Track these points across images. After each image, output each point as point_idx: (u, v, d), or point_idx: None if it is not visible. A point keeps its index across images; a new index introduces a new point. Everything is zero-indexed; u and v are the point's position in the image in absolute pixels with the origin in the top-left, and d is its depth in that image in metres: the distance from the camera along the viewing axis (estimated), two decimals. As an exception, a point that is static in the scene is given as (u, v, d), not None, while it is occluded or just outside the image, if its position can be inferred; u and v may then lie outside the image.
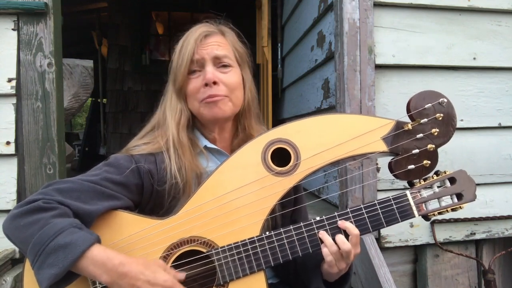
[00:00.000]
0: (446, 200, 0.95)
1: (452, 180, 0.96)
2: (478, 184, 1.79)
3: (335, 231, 0.90)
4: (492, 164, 1.86)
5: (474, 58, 1.83)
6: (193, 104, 1.02)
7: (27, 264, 0.86)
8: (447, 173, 0.96)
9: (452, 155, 1.81)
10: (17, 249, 1.53)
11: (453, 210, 0.95)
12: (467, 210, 1.82)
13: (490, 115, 1.85)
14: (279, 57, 3.45)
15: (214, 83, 0.98)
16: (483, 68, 1.85)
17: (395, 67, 1.78)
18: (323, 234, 0.89)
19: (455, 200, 0.96)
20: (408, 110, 0.96)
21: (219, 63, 1.01)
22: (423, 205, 0.94)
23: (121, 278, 0.79)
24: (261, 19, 3.40)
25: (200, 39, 1.01)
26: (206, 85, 0.98)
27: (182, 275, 0.86)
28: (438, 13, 1.80)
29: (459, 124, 1.81)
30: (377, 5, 1.74)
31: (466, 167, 1.81)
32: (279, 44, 3.44)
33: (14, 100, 1.58)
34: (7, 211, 1.52)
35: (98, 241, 0.81)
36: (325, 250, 0.89)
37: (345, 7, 1.70)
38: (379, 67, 1.75)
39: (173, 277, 0.83)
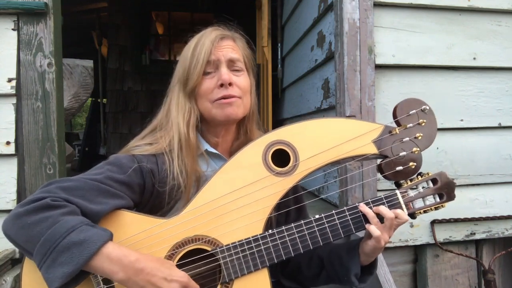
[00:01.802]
0: (430, 199, 1.02)
1: (434, 181, 1.03)
2: (478, 184, 1.84)
3: (334, 227, 0.95)
4: (492, 164, 1.86)
5: (474, 58, 1.83)
6: (205, 104, 1.01)
7: (26, 265, 0.85)
8: (430, 174, 1.03)
9: (452, 155, 1.81)
10: (17, 249, 1.53)
11: (436, 208, 1.02)
12: (467, 210, 1.84)
13: (490, 115, 1.86)
14: (279, 57, 3.45)
15: (230, 84, 0.99)
16: (483, 68, 1.85)
17: (395, 67, 1.78)
18: (364, 207, 0.95)
19: (437, 199, 1.02)
20: (394, 116, 1.03)
21: (232, 66, 1.02)
22: (411, 203, 1.01)
23: (137, 275, 0.78)
24: (261, 19, 3.40)
25: (217, 40, 1.02)
26: (221, 85, 0.99)
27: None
28: (438, 13, 1.80)
29: (459, 124, 1.82)
30: (377, 5, 1.74)
31: (466, 167, 1.84)
32: (279, 44, 3.44)
33: (14, 100, 1.58)
34: (7, 211, 1.52)
35: (112, 238, 0.81)
36: (371, 227, 0.93)
37: (345, 7, 1.70)
38: (379, 67, 1.75)
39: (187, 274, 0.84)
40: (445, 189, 1.02)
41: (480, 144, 1.85)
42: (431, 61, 1.80)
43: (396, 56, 1.77)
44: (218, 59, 1.01)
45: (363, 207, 0.95)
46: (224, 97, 0.99)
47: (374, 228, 0.93)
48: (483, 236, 1.87)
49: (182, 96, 1.03)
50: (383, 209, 0.94)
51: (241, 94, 1.02)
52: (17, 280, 1.46)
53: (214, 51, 1.01)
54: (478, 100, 1.85)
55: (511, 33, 1.86)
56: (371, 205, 0.97)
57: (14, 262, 1.54)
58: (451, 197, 1.02)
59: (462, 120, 1.82)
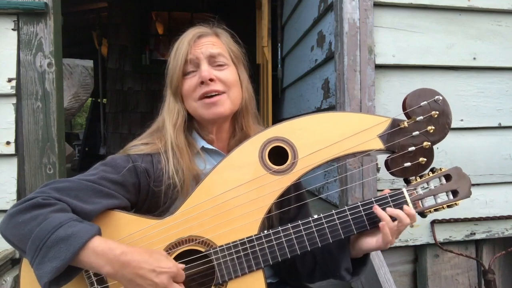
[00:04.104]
0: (442, 197, 0.96)
1: (448, 177, 0.97)
2: (478, 184, 1.84)
3: (333, 228, 0.91)
4: (492, 164, 1.86)
5: (474, 58, 1.83)
6: (191, 104, 1.02)
7: (24, 265, 0.85)
8: (443, 170, 0.97)
9: (452, 155, 1.81)
10: (17, 249, 1.54)
11: (449, 206, 0.96)
12: (467, 210, 1.83)
13: (490, 115, 1.86)
14: (279, 57, 3.45)
15: (211, 80, 0.99)
16: (483, 68, 1.85)
17: (395, 67, 1.78)
18: (378, 209, 0.91)
19: (451, 196, 0.96)
20: (404, 108, 0.96)
21: (214, 62, 1.02)
22: (420, 202, 0.95)
23: (124, 268, 0.78)
24: (261, 19, 3.40)
25: (194, 40, 1.02)
26: (202, 83, 0.99)
27: (181, 265, 0.85)
28: (438, 13, 1.80)
29: (459, 124, 1.82)
30: (377, 5, 1.74)
31: (466, 167, 1.81)
32: (279, 44, 3.44)
33: (14, 100, 1.58)
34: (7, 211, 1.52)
35: (99, 232, 0.81)
36: (386, 229, 0.90)
37: (345, 7, 1.70)
38: (379, 67, 1.75)
39: (176, 264, 0.83)
40: (459, 186, 0.95)
41: (480, 144, 1.85)
42: (431, 61, 1.80)
43: (396, 56, 1.77)
44: (196, 57, 1.00)
45: (377, 209, 0.91)
46: (206, 94, 0.99)
47: (387, 230, 0.89)
48: (483, 236, 1.87)
49: (171, 99, 1.04)
50: (399, 213, 0.91)
51: (225, 88, 1.01)
52: (17, 280, 1.46)
53: (191, 50, 1.01)
54: (478, 100, 1.85)
55: (511, 33, 1.86)
56: (375, 204, 0.93)
57: (14, 262, 1.54)
58: (466, 194, 0.95)
59: (462, 120, 1.82)
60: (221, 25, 1.09)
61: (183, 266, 0.85)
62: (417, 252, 1.90)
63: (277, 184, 0.91)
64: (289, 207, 1.03)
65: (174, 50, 1.04)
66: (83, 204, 0.84)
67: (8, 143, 1.57)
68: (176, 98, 1.03)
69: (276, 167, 0.92)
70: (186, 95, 1.02)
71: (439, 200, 0.95)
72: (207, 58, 1.01)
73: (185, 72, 1.01)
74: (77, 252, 0.76)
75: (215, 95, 0.99)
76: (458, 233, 1.84)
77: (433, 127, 0.94)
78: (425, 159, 0.95)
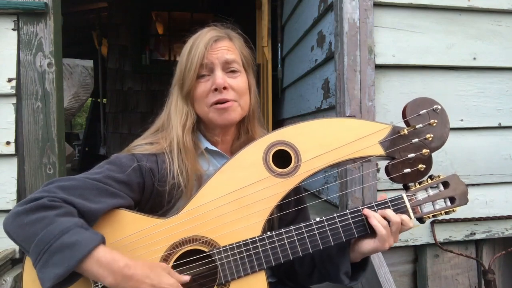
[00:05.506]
0: (440, 203, 0.97)
1: (445, 184, 0.99)
2: (478, 184, 1.84)
3: (335, 231, 0.92)
4: (492, 164, 1.86)
5: (474, 58, 1.83)
6: (202, 108, 1.02)
7: (27, 263, 0.85)
8: (441, 177, 0.99)
9: (452, 155, 1.81)
10: (17, 249, 1.53)
11: (446, 213, 0.98)
12: (467, 210, 1.83)
13: (490, 115, 1.86)
14: (279, 57, 3.45)
15: (224, 88, 0.99)
16: (483, 68, 1.85)
17: (395, 67, 1.78)
18: (368, 211, 0.93)
19: (448, 203, 0.98)
20: (404, 116, 0.99)
21: (228, 68, 1.02)
22: (419, 207, 0.97)
23: (126, 281, 0.78)
24: (261, 19, 3.40)
25: (211, 43, 1.01)
26: (216, 90, 0.99)
27: (186, 277, 0.86)
28: (438, 13, 1.80)
29: (459, 124, 1.82)
30: (377, 5, 1.74)
31: (466, 167, 1.84)
32: (279, 44, 3.44)
33: (14, 100, 1.58)
34: (7, 211, 1.52)
35: (103, 241, 0.81)
36: (379, 228, 0.91)
37: (345, 7, 1.70)
38: (379, 67, 1.75)
39: (177, 280, 0.83)
40: (457, 193, 0.97)
41: (480, 144, 1.85)
42: (431, 61, 1.80)
43: (396, 56, 1.77)
44: (212, 62, 1.00)
45: (367, 212, 0.92)
46: (219, 102, 0.99)
47: (381, 229, 0.90)
48: (483, 236, 1.87)
49: (180, 99, 1.03)
50: (389, 213, 0.92)
51: (237, 97, 1.01)
52: (17, 280, 1.46)
53: (208, 55, 1.00)
54: (478, 100, 1.85)
55: (511, 33, 1.86)
56: (375, 208, 0.94)
57: (14, 262, 1.54)
58: (463, 201, 0.97)
59: (462, 120, 1.82)
60: (235, 29, 1.09)
61: (188, 278, 0.85)
62: (417, 252, 1.90)
63: (280, 186, 0.93)
64: (289, 210, 1.04)
65: (187, 50, 1.03)
66: (89, 203, 0.84)
67: (8, 143, 1.57)
68: (185, 100, 1.03)
69: (280, 170, 0.94)
70: (198, 98, 1.02)
71: (437, 207, 0.97)
72: (222, 64, 1.01)
73: (199, 75, 1.01)
74: (81, 260, 0.76)
75: (226, 101, 1.00)
76: (458, 233, 1.84)
77: (432, 135, 0.97)
78: (424, 166, 0.97)
